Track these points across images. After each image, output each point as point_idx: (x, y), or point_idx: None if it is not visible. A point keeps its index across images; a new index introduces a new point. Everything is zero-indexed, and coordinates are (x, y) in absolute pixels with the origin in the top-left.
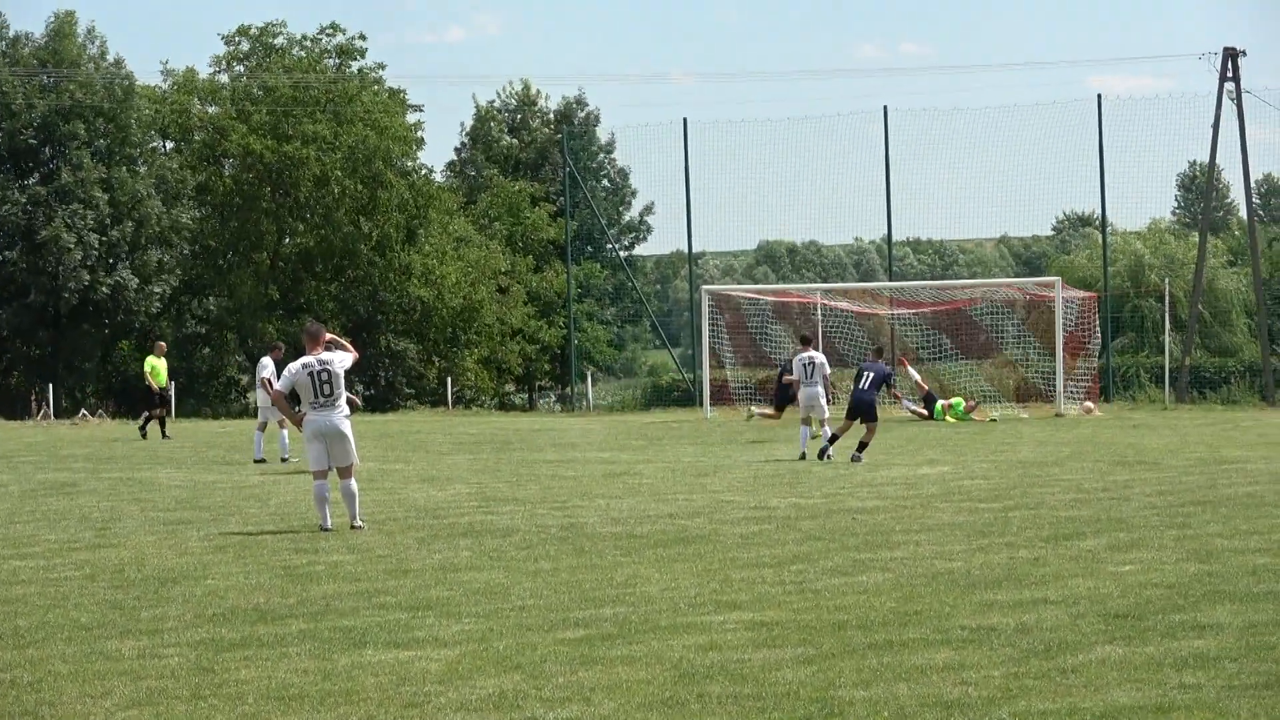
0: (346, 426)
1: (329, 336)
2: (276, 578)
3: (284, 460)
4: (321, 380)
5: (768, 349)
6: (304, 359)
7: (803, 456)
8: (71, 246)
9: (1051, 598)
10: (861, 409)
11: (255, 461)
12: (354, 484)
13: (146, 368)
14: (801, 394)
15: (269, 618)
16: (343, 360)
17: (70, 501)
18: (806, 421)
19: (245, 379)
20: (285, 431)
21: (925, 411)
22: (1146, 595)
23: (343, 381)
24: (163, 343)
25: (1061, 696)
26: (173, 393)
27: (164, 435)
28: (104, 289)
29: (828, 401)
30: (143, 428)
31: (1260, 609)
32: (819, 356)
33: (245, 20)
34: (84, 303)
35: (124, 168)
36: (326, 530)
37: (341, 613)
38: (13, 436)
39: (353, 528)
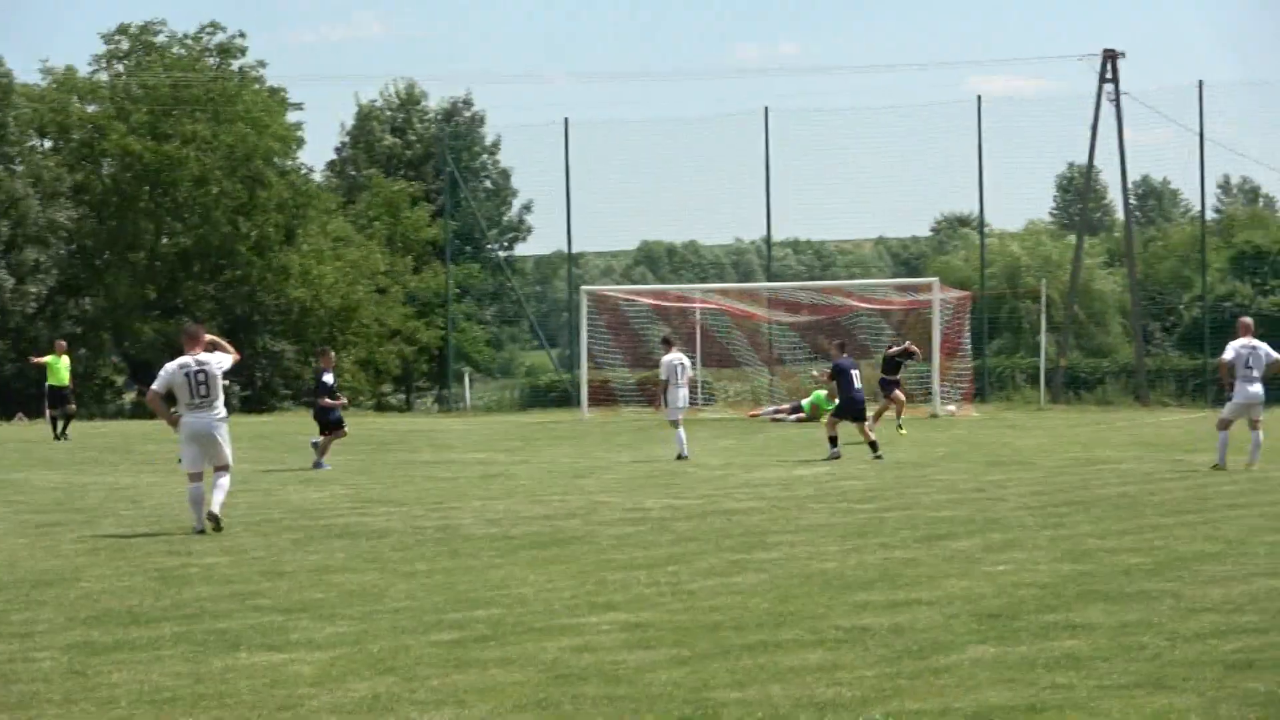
0: (222, 429)
1: (209, 338)
2: (150, 580)
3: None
4: (198, 381)
5: (646, 350)
6: (181, 359)
7: (679, 457)
8: None
9: (925, 598)
10: (857, 408)
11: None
12: (227, 480)
13: (50, 367)
14: (672, 395)
15: (142, 620)
16: (221, 361)
17: None
18: (676, 424)
19: (121, 380)
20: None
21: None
22: (1020, 595)
23: (220, 383)
24: (63, 341)
25: (935, 696)
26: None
27: (60, 436)
28: None
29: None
30: (57, 430)
31: (1132, 609)
32: (685, 358)
33: (126, 19)
34: None
35: (0, 166)
36: (200, 533)
37: (215, 615)
38: None
39: (210, 515)
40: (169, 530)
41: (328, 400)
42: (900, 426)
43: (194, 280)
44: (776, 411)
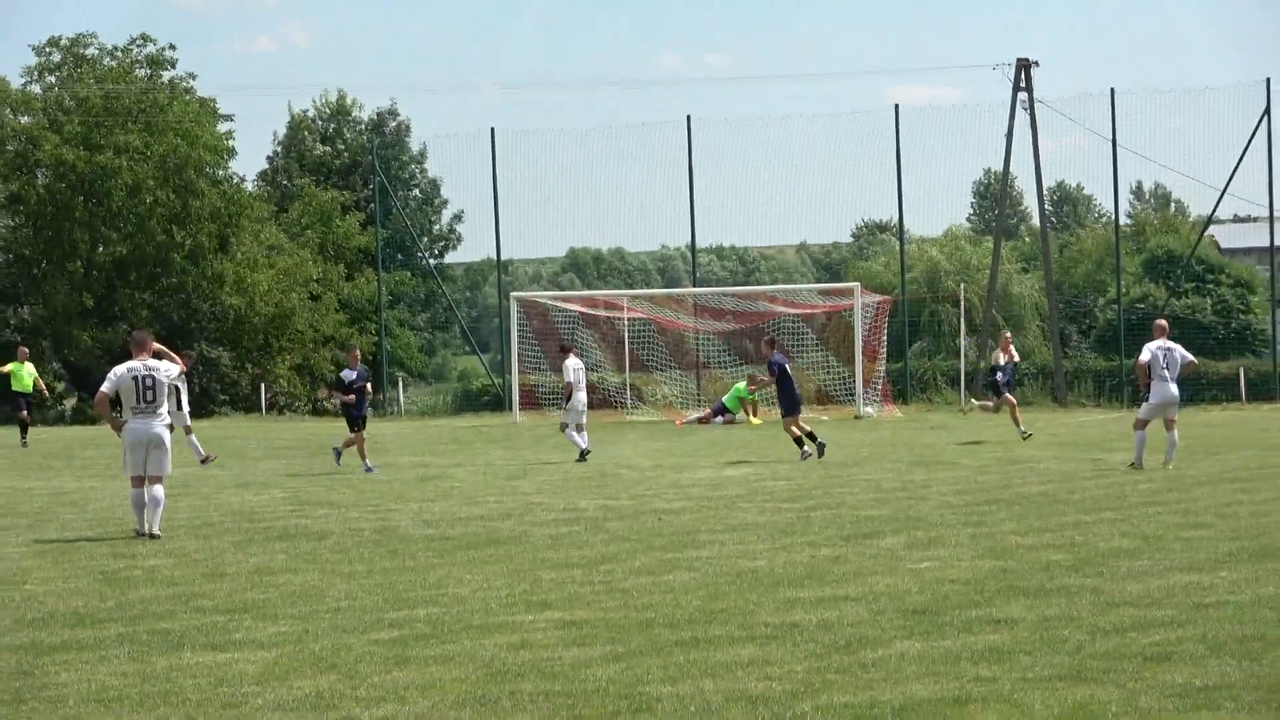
0: (166, 435)
1: (156, 346)
2: (95, 582)
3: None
4: (145, 386)
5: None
6: (129, 363)
7: (583, 456)
8: None
9: (852, 594)
10: (799, 403)
11: (202, 463)
12: (161, 491)
13: (13, 374)
14: (577, 399)
15: (88, 622)
16: (168, 369)
17: None
18: (581, 428)
19: (61, 386)
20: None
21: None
22: (944, 591)
23: (165, 390)
24: (25, 348)
25: (862, 690)
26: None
27: (23, 442)
28: None
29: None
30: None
31: (1053, 604)
32: (581, 363)
33: (57, 31)
34: None
35: None
36: (143, 535)
37: (159, 616)
38: None
39: (151, 536)
40: (112, 534)
41: (344, 396)
42: (1026, 434)
43: (130, 288)
44: (701, 418)
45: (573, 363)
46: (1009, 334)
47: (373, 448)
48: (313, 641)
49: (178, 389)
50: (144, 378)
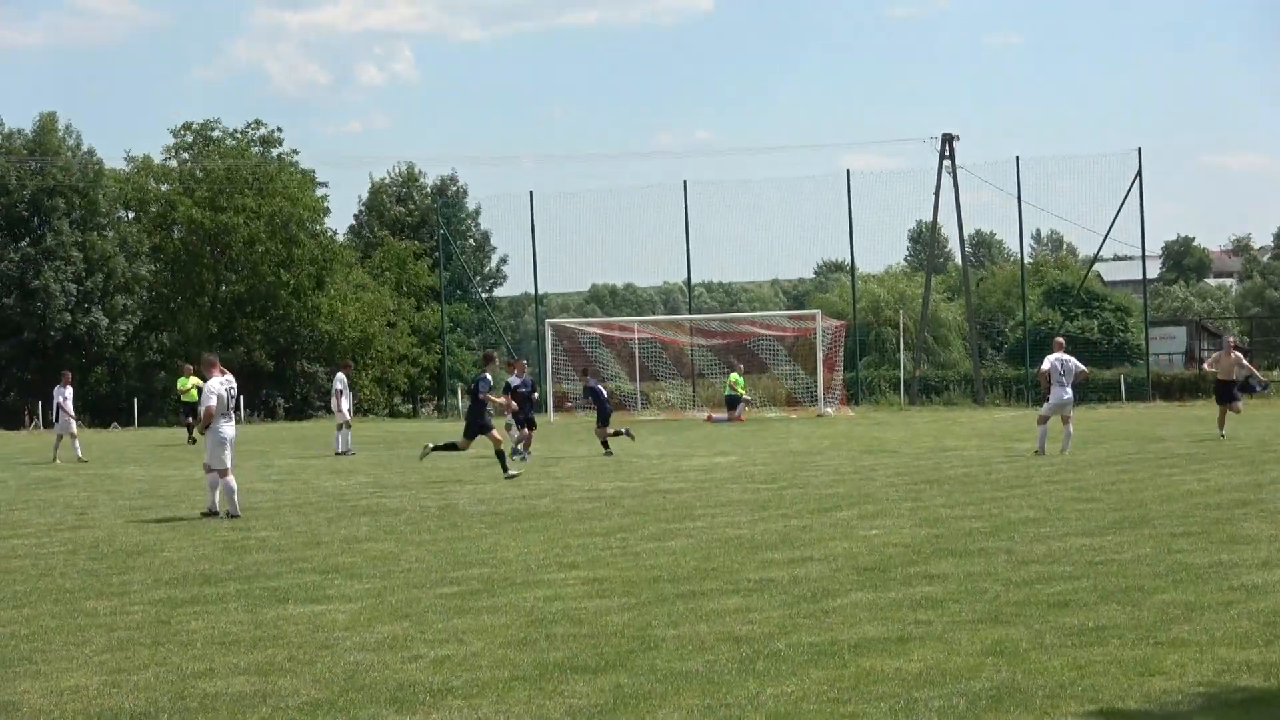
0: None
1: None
2: (217, 549)
3: (347, 454)
4: (230, 396)
5: (597, 367)
6: (218, 379)
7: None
8: (56, 294)
9: (816, 556)
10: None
11: (336, 454)
12: (234, 480)
13: (180, 387)
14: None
15: (211, 581)
16: (234, 383)
17: (55, 493)
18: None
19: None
20: (343, 432)
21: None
22: (888, 553)
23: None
24: (189, 365)
25: (825, 631)
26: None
27: (192, 440)
28: (81, 327)
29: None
30: (191, 436)
31: (975, 562)
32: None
33: (190, 117)
34: (66, 337)
35: (95, 232)
36: (219, 515)
37: (268, 576)
38: (9, 443)
39: (232, 514)
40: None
41: (510, 400)
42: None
43: (246, 318)
44: (727, 418)
45: (523, 378)
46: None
47: (437, 442)
48: (390, 596)
49: (340, 392)
50: (230, 389)
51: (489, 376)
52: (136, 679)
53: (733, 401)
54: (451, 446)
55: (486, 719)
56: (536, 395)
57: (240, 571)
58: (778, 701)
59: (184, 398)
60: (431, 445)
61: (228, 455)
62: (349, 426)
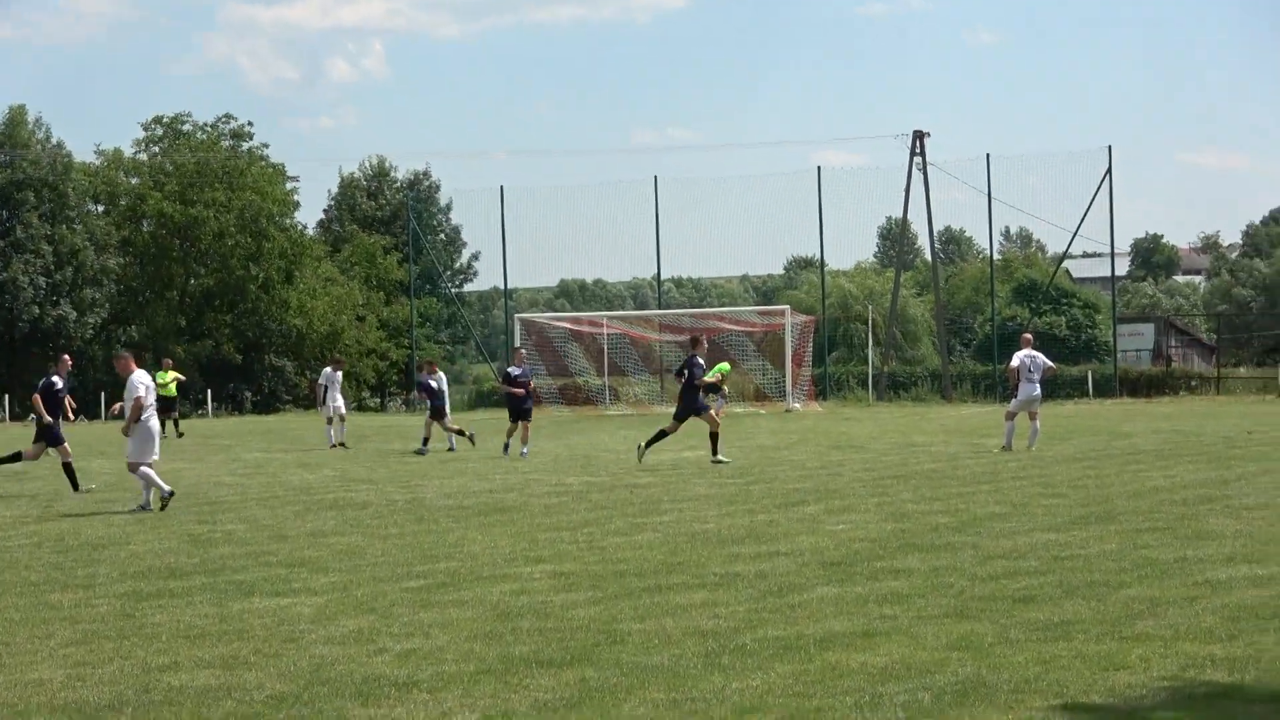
0: None
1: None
2: (183, 543)
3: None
4: (150, 390)
5: (565, 362)
6: (142, 372)
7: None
8: (25, 286)
9: (782, 550)
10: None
11: (331, 447)
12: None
13: (159, 381)
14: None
15: (178, 574)
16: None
17: (20, 485)
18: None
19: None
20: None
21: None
22: (855, 548)
23: None
24: (169, 360)
25: (791, 625)
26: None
27: (179, 434)
28: (50, 319)
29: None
30: (168, 430)
31: (941, 557)
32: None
33: (160, 111)
34: (34, 330)
35: (64, 225)
36: (150, 509)
37: (234, 569)
38: None
39: (144, 509)
40: (197, 504)
41: (513, 389)
42: None
43: (215, 312)
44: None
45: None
46: None
47: (404, 435)
48: (356, 589)
49: (326, 388)
50: (152, 385)
51: (700, 360)
52: (101, 672)
53: (713, 388)
54: (661, 434)
55: (451, 712)
56: (533, 385)
57: (206, 565)
58: (743, 695)
59: (162, 391)
60: (643, 443)
61: (156, 446)
62: (343, 419)
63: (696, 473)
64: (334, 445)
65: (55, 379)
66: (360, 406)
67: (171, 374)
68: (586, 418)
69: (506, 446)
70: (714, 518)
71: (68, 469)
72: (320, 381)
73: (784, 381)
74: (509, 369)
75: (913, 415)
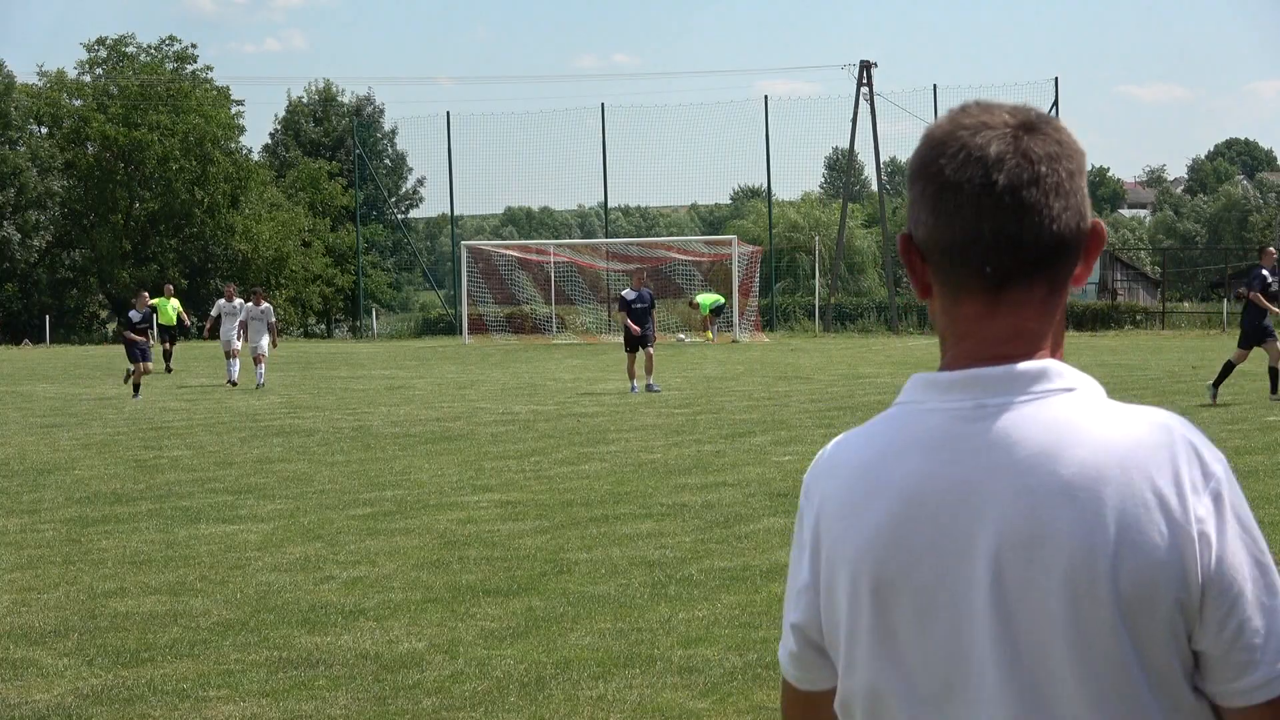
0: None
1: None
2: (129, 468)
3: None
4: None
5: (512, 290)
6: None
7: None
8: None
9: (729, 481)
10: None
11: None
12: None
13: (159, 308)
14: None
15: (124, 500)
16: None
17: None
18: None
19: (105, 314)
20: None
21: None
22: (801, 479)
23: None
24: (170, 286)
25: (737, 556)
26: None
27: (169, 369)
28: None
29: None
30: (167, 362)
31: None
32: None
33: (104, 32)
34: None
35: (7, 146)
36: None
37: (180, 496)
38: None
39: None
40: (144, 430)
41: (626, 319)
42: None
43: (160, 236)
44: (683, 339)
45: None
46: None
47: (351, 362)
48: (302, 516)
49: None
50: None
51: (1266, 271)
52: (47, 598)
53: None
54: (1229, 367)
55: (398, 640)
56: (655, 310)
57: (152, 491)
58: (689, 626)
59: (161, 319)
60: (1211, 383)
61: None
62: (237, 356)
63: (644, 402)
64: (231, 382)
65: (133, 313)
66: (306, 333)
67: (173, 302)
68: (534, 346)
69: (634, 385)
70: (660, 448)
71: (136, 382)
72: (213, 313)
73: (731, 312)
74: (624, 292)
75: (859, 347)
